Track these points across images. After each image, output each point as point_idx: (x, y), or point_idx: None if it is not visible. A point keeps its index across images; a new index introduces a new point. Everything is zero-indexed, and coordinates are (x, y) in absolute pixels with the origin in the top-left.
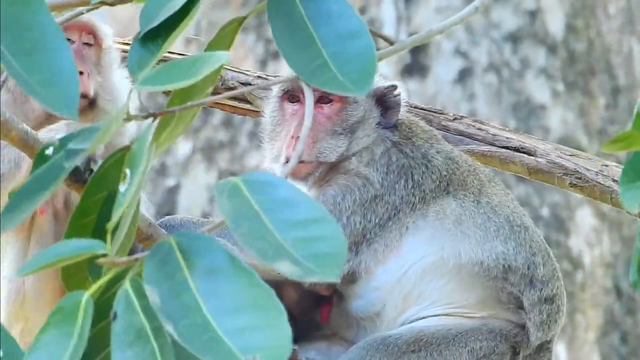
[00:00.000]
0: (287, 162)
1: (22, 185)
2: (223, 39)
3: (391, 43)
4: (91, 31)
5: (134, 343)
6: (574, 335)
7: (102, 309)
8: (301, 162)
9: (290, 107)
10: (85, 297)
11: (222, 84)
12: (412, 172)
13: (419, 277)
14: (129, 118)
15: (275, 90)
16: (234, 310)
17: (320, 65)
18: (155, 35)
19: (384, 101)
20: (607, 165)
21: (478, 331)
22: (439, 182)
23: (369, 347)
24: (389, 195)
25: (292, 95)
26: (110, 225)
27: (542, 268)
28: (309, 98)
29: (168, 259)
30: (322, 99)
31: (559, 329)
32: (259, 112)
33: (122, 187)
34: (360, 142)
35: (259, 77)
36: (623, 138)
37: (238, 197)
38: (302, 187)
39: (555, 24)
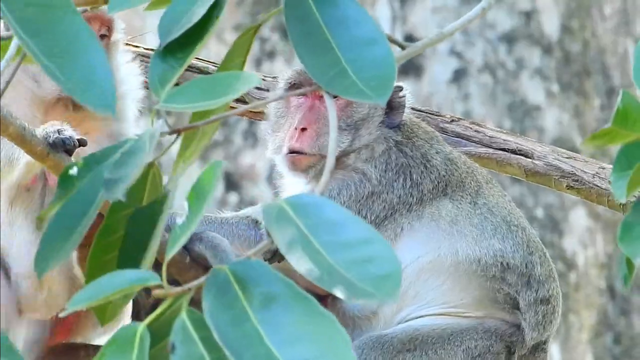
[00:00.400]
0: (289, 153)
1: (53, 217)
2: (240, 48)
3: (403, 47)
4: (109, 24)
5: None
6: (567, 336)
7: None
8: (303, 154)
9: (295, 100)
10: (141, 328)
11: None
12: (410, 171)
13: (415, 277)
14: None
15: (281, 82)
16: (296, 340)
17: (339, 72)
18: (175, 49)
19: (389, 101)
20: (604, 168)
21: (473, 330)
22: (437, 182)
23: (364, 346)
24: (387, 194)
25: (297, 88)
26: (166, 259)
27: (539, 267)
28: (332, 111)
29: (225, 289)
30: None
31: (554, 330)
32: (255, 112)
33: (179, 220)
34: (363, 140)
35: None
36: (604, 134)
37: (286, 221)
38: (301, 180)
39: (550, 24)
